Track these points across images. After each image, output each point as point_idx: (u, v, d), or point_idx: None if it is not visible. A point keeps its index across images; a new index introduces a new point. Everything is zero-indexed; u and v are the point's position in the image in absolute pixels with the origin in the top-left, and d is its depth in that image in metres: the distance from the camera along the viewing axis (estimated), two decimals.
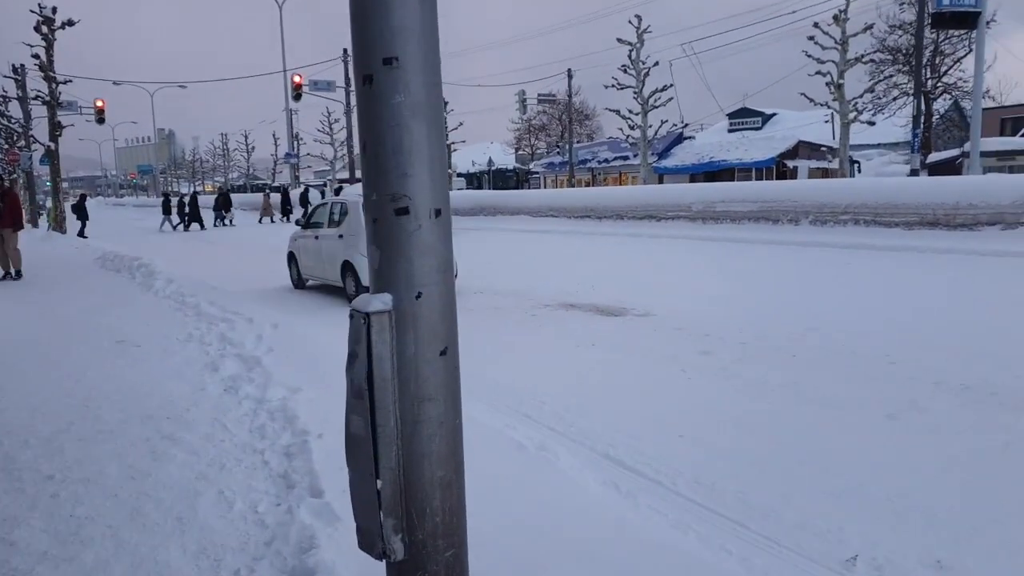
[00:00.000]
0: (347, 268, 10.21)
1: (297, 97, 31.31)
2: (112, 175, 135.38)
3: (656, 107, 33.94)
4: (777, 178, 31.17)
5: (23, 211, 12.90)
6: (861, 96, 26.64)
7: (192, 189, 58.97)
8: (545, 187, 45.34)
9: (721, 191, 16.17)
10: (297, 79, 30.99)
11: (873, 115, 28.53)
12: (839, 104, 25.48)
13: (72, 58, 34.37)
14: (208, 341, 6.75)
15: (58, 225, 24.87)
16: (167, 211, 32.00)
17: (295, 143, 65.90)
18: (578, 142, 62.39)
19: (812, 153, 32.79)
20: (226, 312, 8.06)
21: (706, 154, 35.29)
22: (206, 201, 38.23)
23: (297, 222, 13.15)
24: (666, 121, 33.93)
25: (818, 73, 25.75)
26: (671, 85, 33.68)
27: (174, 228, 30.95)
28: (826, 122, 43.73)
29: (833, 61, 25.27)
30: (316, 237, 11.35)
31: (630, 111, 34.86)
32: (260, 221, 34.46)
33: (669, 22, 32.64)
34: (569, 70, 38.81)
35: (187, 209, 31.24)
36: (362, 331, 1.81)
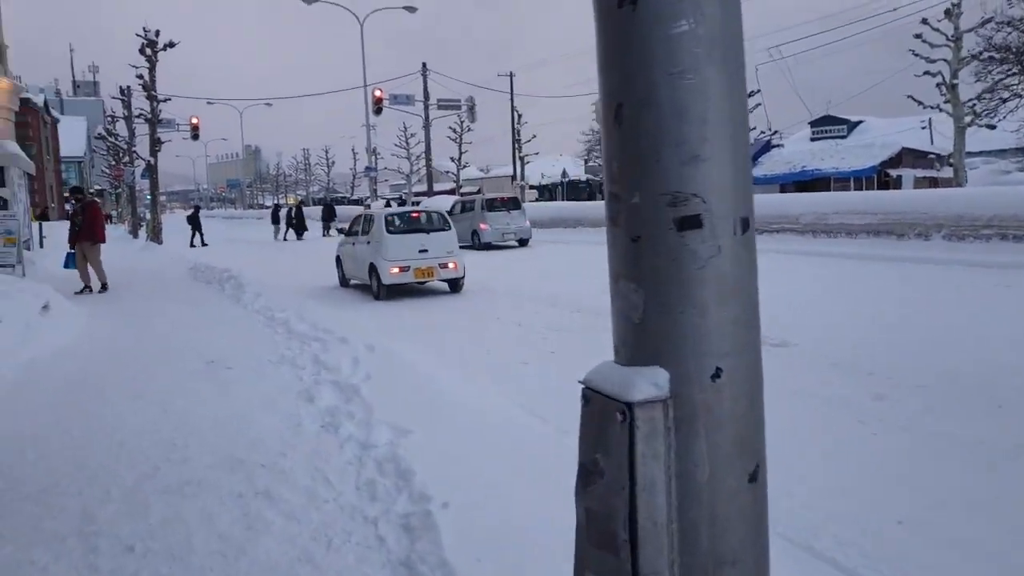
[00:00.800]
0: (372, 269, 11.57)
1: (378, 111, 31.44)
2: (204, 189, 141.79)
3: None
4: (879, 188, 29.14)
5: (104, 225, 12.87)
6: (979, 97, 24.48)
7: (298, 200, 60.45)
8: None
9: (835, 201, 14.86)
10: (377, 93, 31.14)
11: (993, 118, 26.25)
12: (953, 107, 23.48)
13: (170, 78, 35.69)
14: (301, 364, 6.21)
15: (155, 236, 25.55)
16: (277, 221, 32.88)
17: (373, 158, 67.17)
18: None
19: (917, 161, 30.59)
20: (317, 330, 7.55)
21: (797, 163, 33.49)
22: (310, 212, 39.23)
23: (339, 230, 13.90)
24: (754, 128, 32.42)
25: (927, 73, 23.85)
26: (758, 91, 32.24)
27: (285, 238, 31.63)
28: (923, 128, 41.03)
29: (945, 60, 23.33)
30: (354, 244, 12.70)
31: None
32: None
33: (748, 25, 31.15)
34: None
35: (294, 220, 31.77)
36: (615, 434, 1.05)
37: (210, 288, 12.49)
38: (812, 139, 40.26)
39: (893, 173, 29.90)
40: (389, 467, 3.77)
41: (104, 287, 12.61)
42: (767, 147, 35.88)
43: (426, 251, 11.57)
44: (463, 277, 11.94)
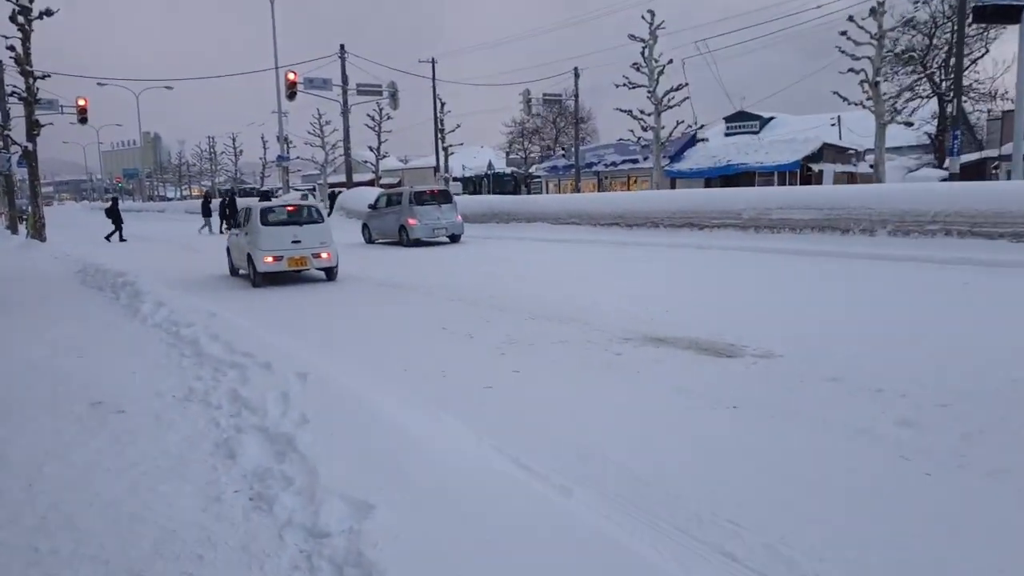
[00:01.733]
0: (249, 259, 12.60)
1: (291, 96, 29.50)
2: (97, 179, 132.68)
3: (670, 107, 32.44)
4: (801, 182, 29.68)
5: None
6: (898, 95, 25.11)
7: (231, 188, 56.45)
8: (547, 192, 43.72)
9: (779, 196, 14.56)
10: (291, 76, 29.21)
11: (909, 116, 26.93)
12: (875, 104, 23.97)
13: (52, 55, 32.37)
14: (215, 402, 5.00)
15: (37, 233, 22.93)
16: (208, 213, 30.33)
17: (285, 145, 63.92)
18: (567, 148, 61.04)
19: (837, 156, 31.38)
20: (234, 352, 6.31)
21: (723, 157, 33.78)
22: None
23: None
24: (682, 122, 32.39)
25: (850, 71, 24.27)
26: (686, 84, 32.18)
27: (220, 231, 28.67)
28: (833, 125, 42.45)
29: (868, 57, 23.76)
30: (238, 235, 13.80)
31: (641, 111, 33.33)
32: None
33: (670, 19, 31.09)
34: (576, 68, 37.21)
35: (227, 211, 29.09)
36: None
37: (101, 297, 10.84)
38: (727, 134, 40.97)
39: (815, 168, 30.52)
40: (353, 574, 2.72)
41: None
42: (692, 141, 36.07)
43: (299, 242, 12.47)
44: (336, 266, 12.85)
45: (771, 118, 42.31)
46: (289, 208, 13.51)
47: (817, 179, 29.92)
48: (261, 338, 7.09)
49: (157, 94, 77.01)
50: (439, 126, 47.53)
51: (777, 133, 38.97)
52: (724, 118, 41.95)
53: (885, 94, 24.79)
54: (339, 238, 24.02)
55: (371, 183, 49.16)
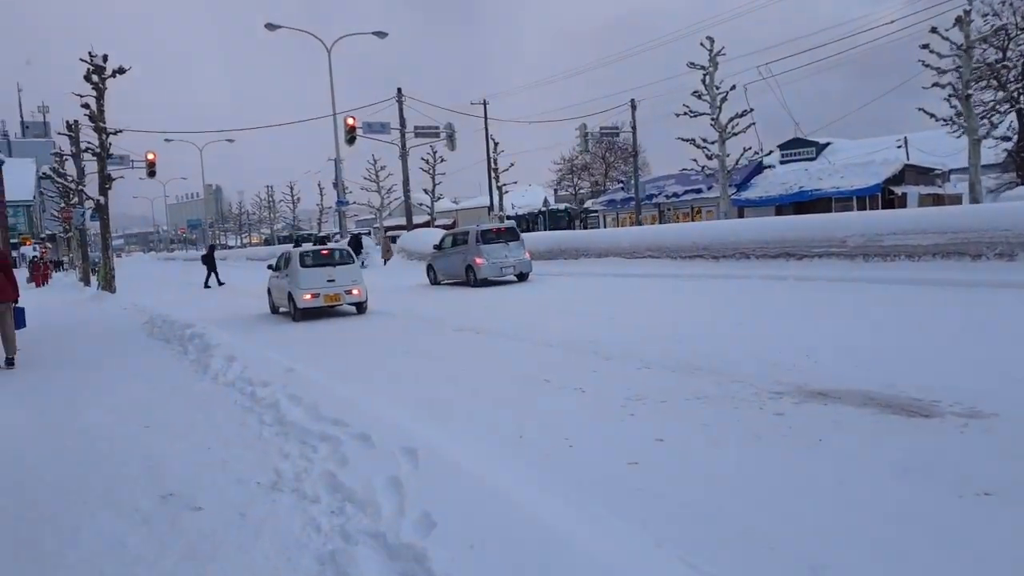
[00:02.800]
0: (290, 297, 14.07)
1: (351, 140, 29.38)
2: (164, 230, 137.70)
3: (735, 134, 31.22)
4: (883, 206, 27.89)
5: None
6: (992, 109, 23.39)
7: (315, 234, 57.20)
8: (606, 226, 42.63)
9: (892, 221, 13.14)
10: (351, 121, 29.12)
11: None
12: (967, 119, 22.31)
13: (122, 113, 33.19)
14: (311, 492, 4.02)
15: (108, 284, 22.91)
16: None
17: (343, 190, 64.70)
18: (626, 179, 59.93)
19: (919, 178, 29.49)
20: (322, 419, 5.37)
21: (793, 183, 32.19)
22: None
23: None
24: (748, 148, 31.08)
25: (935, 85, 22.75)
26: (751, 110, 30.96)
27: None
28: (899, 147, 40.20)
29: (956, 69, 22.19)
30: (278, 277, 15.23)
31: (704, 140, 32.18)
32: (385, 263, 32.18)
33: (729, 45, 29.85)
34: (632, 100, 36.35)
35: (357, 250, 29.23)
36: None
37: (169, 350, 10.16)
38: (782, 161, 39.18)
39: (898, 191, 28.72)
40: None
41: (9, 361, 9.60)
42: (759, 168, 34.62)
43: (333, 280, 13.95)
44: (365, 301, 14.27)
45: (827, 144, 40.38)
46: (323, 252, 14.91)
47: (901, 202, 28.09)
48: (347, 398, 6.16)
49: (219, 148, 79.49)
50: (493, 165, 47.23)
51: (840, 158, 37.10)
52: (779, 145, 40.22)
53: (978, 105, 23.10)
54: (403, 280, 23.58)
55: (426, 224, 48.95)
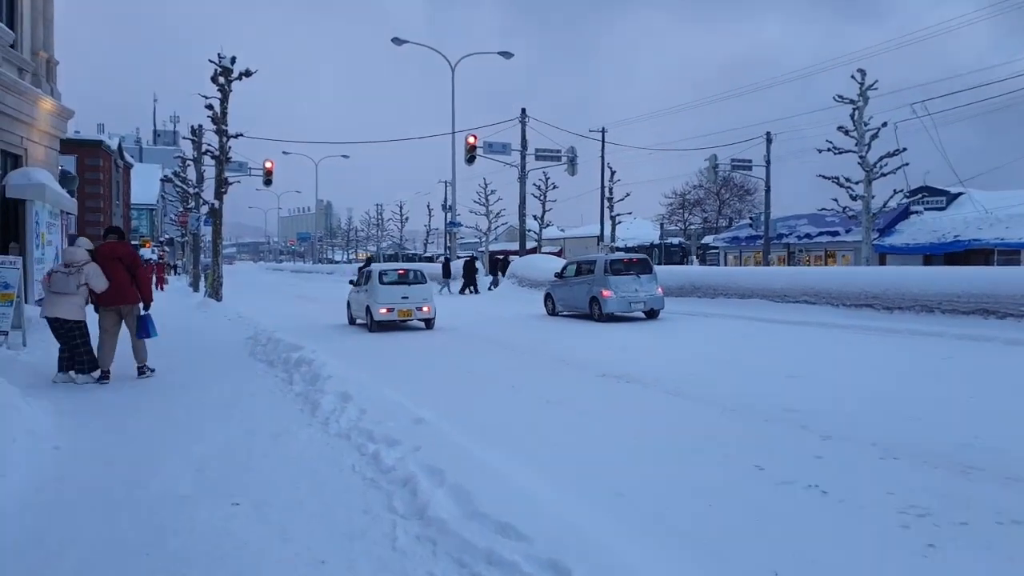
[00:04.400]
0: (367, 310, 15.31)
1: (471, 159, 28.33)
2: (274, 241, 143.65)
3: (884, 175, 28.09)
4: None
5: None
6: None
7: (473, 252, 57.94)
8: (726, 264, 39.80)
9: None
10: (471, 140, 28.09)
11: None
12: None
13: (242, 122, 33.69)
14: None
15: (215, 292, 22.48)
16: (494, 271, 32.14)
17: (452, 213, 64.51)
18: (737, 220, 56.56)
19: None
20: (483, 518, 3.61)
21: (947, 231, 28.60)
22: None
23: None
24: (900, 191, 27.86)
25: None
26: (903, 149, 27.78)
27: (460, 292, 29.69)
28: None
29: None
30: (357, 292, 16.56)
31: (847, 179, 29.17)
32: (491, 289, 31.67)
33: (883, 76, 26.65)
34: (768, 133, 33.71)
35: (464, 272, 29.71)
36: None
37: (272, 377, 8.77)
38: (910, 212, 34.91)
39: None
40: None
41: (143, 369, 8.91)
42: (905, 213, 31.16)
43: (407, 298, 15.30)
44: (434, 318, 15.65)
45: (959, 194, 35.63)
46: (400, 272, 16.09)
47: None
48: (503, 474, 4.39)
49: (334, 162, 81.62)
50: (608, 194, 45.40)
51: (967, 210, 32.36)
52: (904, 192, 35.98)
53: None
54: (516, 309, 21.93)
55: (534, 251, 47.56)
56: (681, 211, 62.44)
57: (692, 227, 60.58)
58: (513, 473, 4.61)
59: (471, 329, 15.46)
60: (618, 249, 47.34)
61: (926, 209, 33.46)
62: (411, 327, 15.80)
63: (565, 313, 18.83)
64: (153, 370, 8.95)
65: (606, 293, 16.71)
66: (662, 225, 63.41)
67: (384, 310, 15.03)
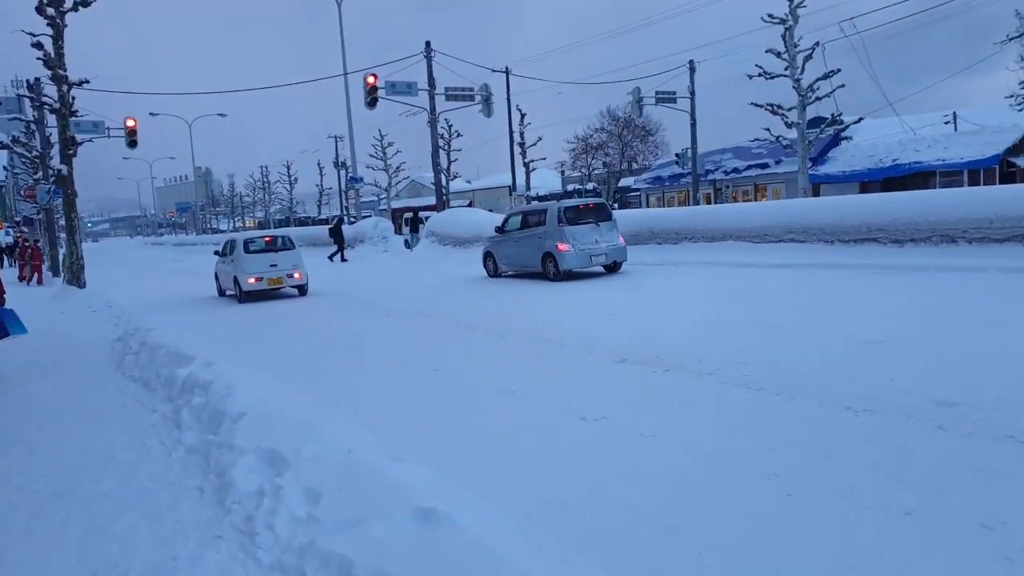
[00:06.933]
0: (235, 281, 15.03)
1: (372, 103, 24.68)
2: (151, 214, 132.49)
3: (819, 99, 26.80)
4: (1001, 182, 23.56)
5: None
6: None
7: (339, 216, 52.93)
8: (648, 206, 38.14)
9: None
10: (371, 80, 24.43)
11: None
12: None
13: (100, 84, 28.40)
14: None
15: (75, 277, 18.29)
16: (415, 228, 29.79)
17: (343, 172, 59.70)
18: (640, 162, 55.24)
19: None
20: None
21: (885, 156, 27.78)
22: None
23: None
24: (840, 114, 26.67)
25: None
26: (838, 70, 26.49)
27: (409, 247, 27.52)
28: (947, 123, 35.22)
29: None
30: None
31: (778, 106, 27.77)
32: (411, 249, 28.63)
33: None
34: (691, 62, 31.68)
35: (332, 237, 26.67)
36: None
37: (147, 414, 5.66)
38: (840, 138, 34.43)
39: (1021, 163, 24.38)
40: None
41: None
42: (835, 140, 30.17)
43: (275, 265, 14.85)
44: (306, 284, 15.15)
45: (857, 120, 34.88)
46: (266, 239, 15.76)
47: (1023, 176, 23.81)
48: None
49: (209, 124, 74.33)
50: (520, 140, 42.59)
51: (865, 137, 31.80)
52: (836, 116, 35.24)
53: None
54: (448, 271, 18.99)
55: (435, 207, 44.49)
56: (584, 156, 60.51)
57: (596, 172, 58.90)
58: None
59: (405, 304, 12.55)
60: (534, 198, 44.89)
61: (842, 138, 32.70)
62: (284, 294, 15.28)
63: (510, 273, 16.20)
64: None
65: (562, 247, 14.14)
66: (563, 172, 61.42)
67: (252, 280, 14.59)
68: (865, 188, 27.77)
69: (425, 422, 5.29)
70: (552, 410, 5.41)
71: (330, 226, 28.23)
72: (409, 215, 34.95)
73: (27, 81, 24.99)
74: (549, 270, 14.48)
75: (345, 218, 30.74)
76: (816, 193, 28.77)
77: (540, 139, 43.26)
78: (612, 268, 14.88)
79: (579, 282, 13.82)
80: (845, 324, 7.62)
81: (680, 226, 16.24)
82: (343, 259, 25.98)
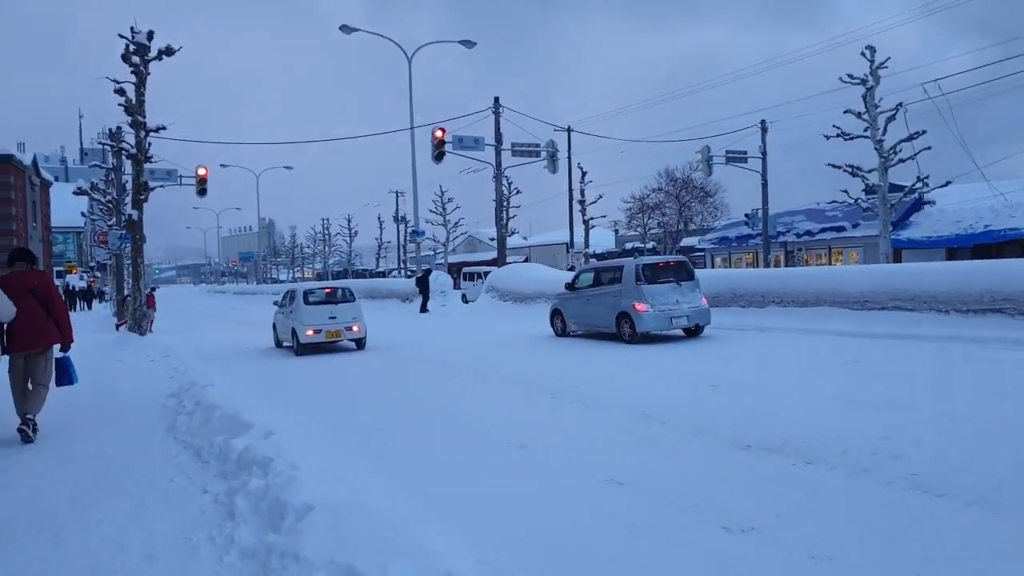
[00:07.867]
0: (293, 332, 14.68)
1: (439, 156, 24.52)
2: (215, 263, 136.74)
3: (903, 161, 25.46)
4: None
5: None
6: None
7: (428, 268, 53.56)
8: (714, 267, 36.85)
9: None
10: (439, 134, 24.31)
11: None
12: None
13: (175, 132, 29.16)
14: None
15: (136, 324, 18.07)
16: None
17: (403, 226, 60.25)
18: (695, 222, 53.96)
19: None
20: None
21: (975, 221, 26.10)
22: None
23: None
24: (927, 177, 25.24)
25: None
26: (923, 132, 25.17)
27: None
28: None
29: None
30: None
31: (857, 168, 26.54)
32: (467, 303, 28.23)
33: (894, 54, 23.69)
34: (763, 121, 30.84)
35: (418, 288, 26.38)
36: None
37: (196, 493, 4.83)
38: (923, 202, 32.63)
39: None
40: None
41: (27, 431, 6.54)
42: (918, 204, 28.63)
43: (335, 318, 14.59)
44: (364, 337, 14.80)
45: (942, 185, 33.04)
46: (327, 290, 15.65)
47: None
48: None
49: (275, 176, 76.53)
50: (580, 197, 42.09)
51: (946, 203, 29.92)
52: (922, 180, 33.69)
53: None
54: (510, 328, 18.06)
55: (494, 262, 44.00)
56: (640, 215, 59.63)
57: (651, 231, 57.89)
58: None
59: (471, 362, 11.69)
60: (592, 256, 44.05)
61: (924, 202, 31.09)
62: (342, 347, 14.95)
63: (579, 333, 15.24)
64: (36, 431, 6.64)
65: (640, 307, 13.14)
66: (616, 231, 60.61)
67: (311, 331, 14.24)
68: (952, 255, 26.07)
69: (522, 518, 4.30)
70: (679, 512, 4.37)
71: (417, 275, 27.97)
72: (468, 270, 34.60)
73: (109, 129, 25.70)
74: (624, 331, 13.47)
75: (432, 270, 30.44)
76: (897, 259, 27.15)
77: (600, 196, 42.76)
78: (693, 332, 13.79)
79: (658, 346, 12.76)
80: (1001, 408, 6.38)
81: (768, 288, 15.06)
82: (424, 309, 25.73)
